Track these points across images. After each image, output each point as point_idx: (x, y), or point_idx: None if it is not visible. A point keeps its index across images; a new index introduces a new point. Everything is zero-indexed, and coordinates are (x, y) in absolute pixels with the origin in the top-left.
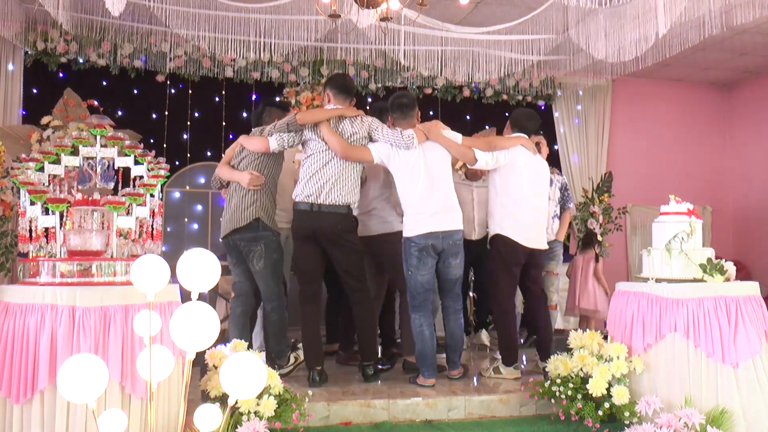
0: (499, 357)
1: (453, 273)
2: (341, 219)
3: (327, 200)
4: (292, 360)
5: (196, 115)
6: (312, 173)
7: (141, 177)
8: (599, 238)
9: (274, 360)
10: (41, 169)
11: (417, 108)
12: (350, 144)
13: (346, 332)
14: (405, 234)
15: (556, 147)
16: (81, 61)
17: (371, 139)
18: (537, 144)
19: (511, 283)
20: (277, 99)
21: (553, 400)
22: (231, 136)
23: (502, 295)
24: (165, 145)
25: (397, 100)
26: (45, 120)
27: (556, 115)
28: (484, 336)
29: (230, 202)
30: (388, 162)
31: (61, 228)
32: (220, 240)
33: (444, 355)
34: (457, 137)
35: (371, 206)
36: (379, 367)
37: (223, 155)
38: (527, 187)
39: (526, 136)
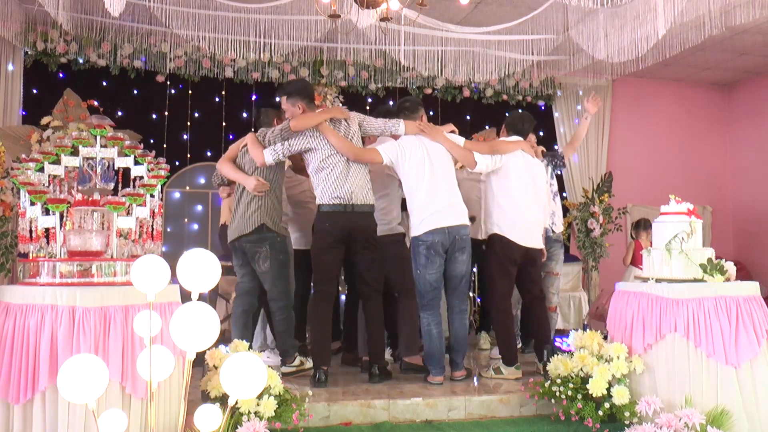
0: (499, 357)
1: (459, 269)
2: (371, 219)
3: (358, 200)
4: (297, 362)
5: (196, 115)
6: (334, 176)
7: (141, 177)
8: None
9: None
10: (41, 170)
11: (421, 111)
12: (353, 144)
13: (351, 333)
14: (412, 233)
15: (556, 147)
16: (81, 61)
17: (362, 130)
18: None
19: (508, 282)
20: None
21: (553, 400)
22: (231, 137)
23: (499, 295)
24: (165, 146)
25: (402, 104)
26: (45, 120)
27: (556, 115)
28: (484, 338)
29: (237, 206)
30: (396, 162)
31: (61, 228)
32: (228, 244)
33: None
34: (459, 141)
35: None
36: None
37: (223, 155)
38: (523, 188)
39: (522, 138)
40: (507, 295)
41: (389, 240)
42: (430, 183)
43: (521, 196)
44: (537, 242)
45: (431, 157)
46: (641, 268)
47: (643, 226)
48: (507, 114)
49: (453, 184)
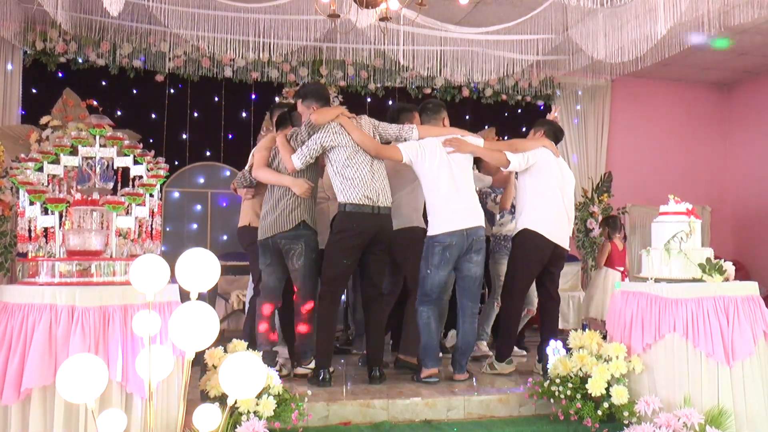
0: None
1: (473, 270)
2: (391, 221)
3: (385, 202)
4: (313, 365)
5: (196, 115)
6: (361, 175)
7: (140, 177)
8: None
9: (298, 358)
10: (40, 169)
11: (443, 113)
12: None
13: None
14: (429, 233)
15: None
16: (80, 61)
17: (379, 134)
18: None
19: (528, 281)
20: (276, 99)
21: (552, 400)
22: (230, 136)
23: (517, 291)
24: (164, 145)
25: (424, 106)
26: (44, 120)
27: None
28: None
29: (276, 205)
30: (415, 161)
31: (60, 228)
32: (259, 241)
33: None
34: (478, 143)
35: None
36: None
37: (222, 154)
38: (554, 186)
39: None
40: (524, 292)
41: (410, 234)
42: (448, 184)
43: (553, 196)
44: (565, 242)
45: (450, 158)
46: (618, 270)
47: (616, 226)
48: (506, 114)
49: (471, 187)
